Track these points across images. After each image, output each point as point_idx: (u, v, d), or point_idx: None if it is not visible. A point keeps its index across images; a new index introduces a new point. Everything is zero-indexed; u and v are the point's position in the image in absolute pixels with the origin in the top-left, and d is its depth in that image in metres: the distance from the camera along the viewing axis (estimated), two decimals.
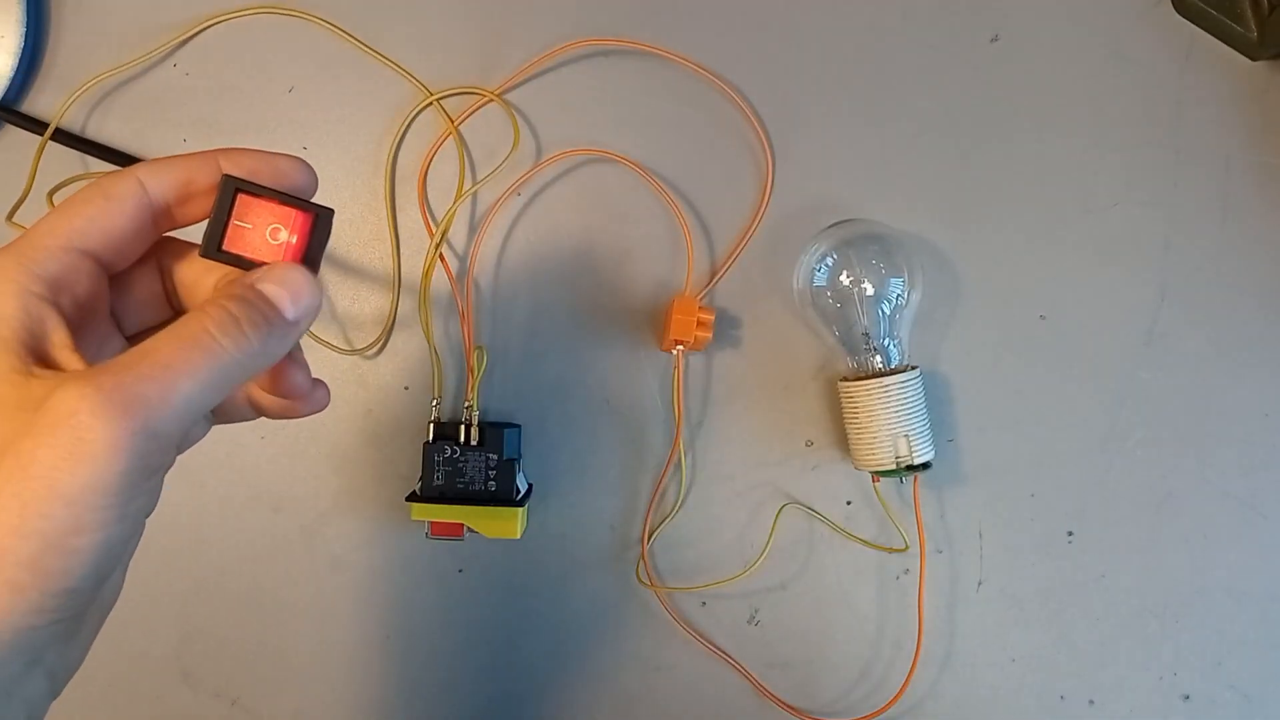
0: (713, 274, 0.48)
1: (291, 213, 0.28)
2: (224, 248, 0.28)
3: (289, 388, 0.30)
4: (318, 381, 0.31)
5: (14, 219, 0.45)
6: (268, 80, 0.48)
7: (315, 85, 0.48)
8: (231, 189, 0.28)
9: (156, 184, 0.28)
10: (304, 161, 0.29)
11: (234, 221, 0.28)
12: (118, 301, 0.29)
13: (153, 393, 0.23)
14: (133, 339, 0.30)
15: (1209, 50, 0.48)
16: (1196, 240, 0.48)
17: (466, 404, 0.45)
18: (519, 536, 0.44)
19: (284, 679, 0.47)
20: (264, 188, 0.28)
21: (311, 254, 0.29)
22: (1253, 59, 0.48)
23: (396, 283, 0.48)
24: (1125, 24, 0.48)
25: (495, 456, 0.44)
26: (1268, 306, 0.47)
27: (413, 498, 0.44)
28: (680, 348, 0.45)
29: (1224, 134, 0.48)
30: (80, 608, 0.25)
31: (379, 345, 0.48)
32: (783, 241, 0.48)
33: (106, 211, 0.27)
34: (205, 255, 0.28)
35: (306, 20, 0.48)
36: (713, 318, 0.45)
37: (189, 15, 0.48)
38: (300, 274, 0.27)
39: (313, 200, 0.29)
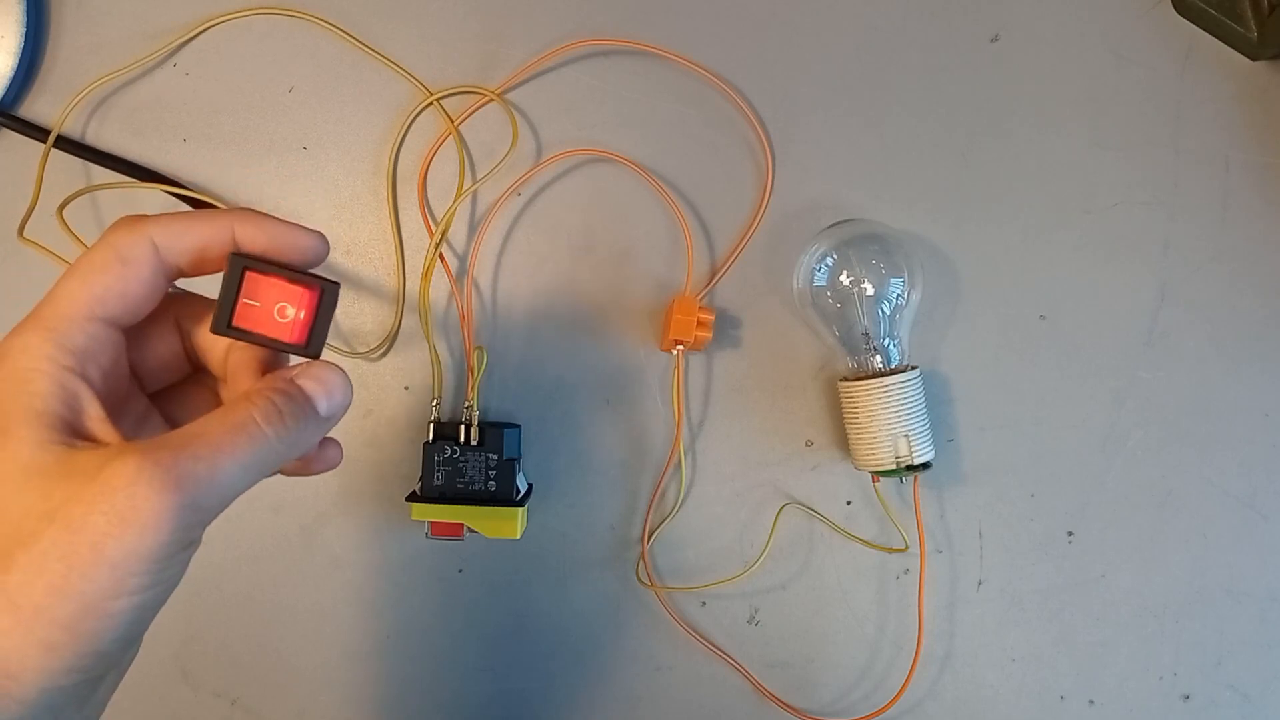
0: (713, 274, 0.48)
1: (299, 290, 0.29)
2: (234, 324, 0.29)
3: None
4: (329, 440, 0.31)
5: (25, 234, 0.45)
6: (268, 80, 0.48)
7: (315, 85, 0.48)
8: (239, 268, 0.28)
9: (170, 248, 0.28)
10: (319, 234, 0.30)
11: (242, 299, 0.29)
12: (139, 361, 0.30)
13: (202, 471, 0.24)
14: (154, 397, 0.31)
15: (1209, 50, 0.48)
16: (1196, 240, 0.48)
17: (466, 404, 0.45)
18: (519, 536, 0.44)
19: (284, 679, 0.47)
20: (271, 264, 0.29)
21: (318, 328, 0.29)
22: (1253, 59, 0.48)
23: (401, 284, 0.48)
24: (1125, 24, 0.48)
25: (495, 456, 0.44)
26: (1268, 306, 0.47)
27: (413, 498, 0.44)
28: (680, 348, 0.45)
29: (1224, 134, 0.48)
30: (104, 670, 0.25)
31: (383, 349, 0.48)
32: (783, 241, 0.48)
33: (124, 278, 0.27)
34: (215, 332, 0.29)
35: (306, 20, 0.48)
36: (713, 318, 0.45)
37: (189, 16, 0.48)
38: (336, 375, 0.29)
39: (318, 273, 0.29)
